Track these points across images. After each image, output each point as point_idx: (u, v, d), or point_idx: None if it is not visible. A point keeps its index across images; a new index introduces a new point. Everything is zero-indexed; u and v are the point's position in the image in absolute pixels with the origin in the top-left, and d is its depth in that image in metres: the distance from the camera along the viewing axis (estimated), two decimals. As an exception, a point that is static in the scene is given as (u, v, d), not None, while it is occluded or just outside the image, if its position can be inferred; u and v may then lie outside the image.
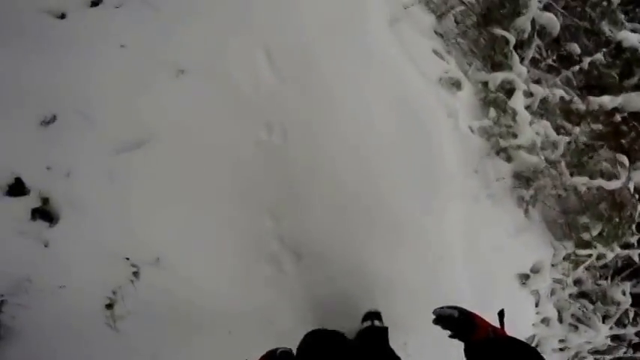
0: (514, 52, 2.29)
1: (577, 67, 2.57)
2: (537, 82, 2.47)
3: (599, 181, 2.02)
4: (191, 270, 1.91)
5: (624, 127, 2.41)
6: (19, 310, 1.69)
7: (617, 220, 2.15)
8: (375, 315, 1.92)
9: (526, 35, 2.30)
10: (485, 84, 2.34)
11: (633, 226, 2.18)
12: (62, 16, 2.13)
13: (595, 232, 2.26)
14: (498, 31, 2.26)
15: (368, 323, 1.83)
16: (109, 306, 1.80)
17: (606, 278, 2.59)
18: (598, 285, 2.61)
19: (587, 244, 2.41)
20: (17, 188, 1.76)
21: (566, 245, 2.40)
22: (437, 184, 2.04)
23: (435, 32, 2.53)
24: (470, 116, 2.25)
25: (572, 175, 2.11)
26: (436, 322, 1.04)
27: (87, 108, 1.89)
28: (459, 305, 1.05)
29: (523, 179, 2.35)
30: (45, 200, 1.73)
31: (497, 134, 2.17)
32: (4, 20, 1.97)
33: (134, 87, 1.96)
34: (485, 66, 2.42)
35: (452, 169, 2.03)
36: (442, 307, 1.04)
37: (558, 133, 2.35)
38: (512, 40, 2.27)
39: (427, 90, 2.11)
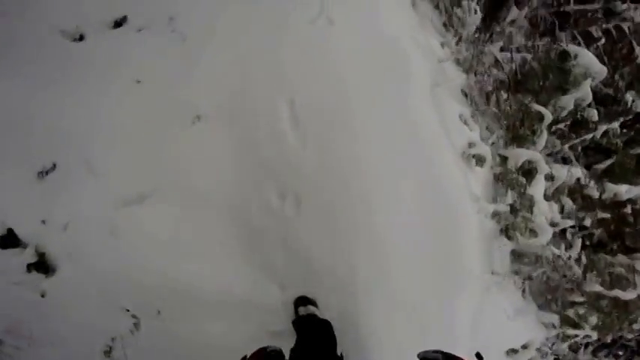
0: (545, 131, 2.21)
1: (590, 135, 2.51)
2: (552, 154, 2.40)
3: (616, 292, 2.00)
4: (194, 323, 1.81)
5: (631, 219, 2.38)
6: (15, 351, 1.66)
7: (616, 316, 2.16)
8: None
9: (565, 113, 2.21)
10: (505, 159, 2.28)
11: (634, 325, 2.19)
12: (80, 38, 1.95)
13: (591, 322, 2.27)
14: (535, 107, 2.16)
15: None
16: (107, 353, 1.78)
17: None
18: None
19: (575, 324, 2.45)
20: (10, 240, 1.63)
21: (556, 323, 2.43)
22: (454, 274, 1.97)
23: (463, 92, 2.43)
24: (486, 195, 2.19)
25: (584, 274, 2.09)
26: None
27: (90, 156, 1.72)
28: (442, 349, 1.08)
29: (524, 260, 2.33)
30: (41, 255, 1.61)
31: (512, 224, 2.12)
32: (20, 44, 1.77)
33: (144, 133, 1.78)
34: (507, 136, 2.34)
35: (471, 265, 1.98)
36: (426, 351, 1.08)
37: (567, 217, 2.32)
38: (549, 118, 2.13)
39: (454, 166, 2.00)
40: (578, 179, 2.22)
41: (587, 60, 2.19)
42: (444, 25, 2.64)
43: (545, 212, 2.10)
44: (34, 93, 1.71)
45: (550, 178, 2.16)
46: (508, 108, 2.28)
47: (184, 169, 1.82)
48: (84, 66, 1.84)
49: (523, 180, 2.11)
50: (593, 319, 2.19)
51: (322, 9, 2.14)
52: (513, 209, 2.11)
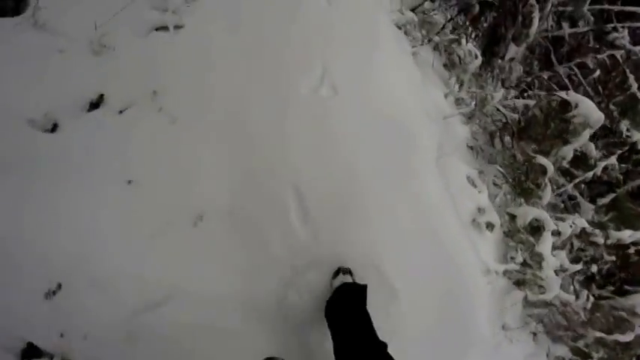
0: (549, 185, 2.20)
1: (591, 173, 2.57)
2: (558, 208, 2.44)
3: (616, 336, 2.09)
4: None
5: (636, 258, 2.47)
6: None
7: (621, 350, 2.27)
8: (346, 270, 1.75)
9: (565, 163, 2.21)
10: (513, 217, 2.27)
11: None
12: (53, 128, 1.70)
13: (596, 356, 2.38)
14: (539, 159, 2.13)
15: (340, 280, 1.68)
16: None
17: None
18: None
19: (585, 355, 2.55)
20: (32, 352, 1.53)
21: (567, 357, 2.52)
22: (463, 338, 1.92)
23: (469, 146, 2.37)
24: (497, 254, 2.19)
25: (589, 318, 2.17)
26: None
27: (91, 270, 1.52)
28: None
29: (535, 304, 2.39)
30: (65, 362, 1.51)
31: (522, 280, 2.14)
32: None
33: (145, 239, 1.59)
34: (513, 191, 2.33)
35: (482, 328, 1.98)
36: None
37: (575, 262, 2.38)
38: (551, 169, 2.10)
39: (463, 237, 1.97)
40: (584, 228, 2.26)
41: (586, 108, 2.16)
42: (445, 65, 2.54)
43: (553, 266, 2.13)
44: (10, 210, 1.49)
45: (557, 233, 2.18)
46: (512, 160, 2.26)
47: (193, 274, 1.68)
48: (63, 165, 1.62)
49: (532, 239, 2.12)
50: (601, 353, 2.30)
51: (324, 73, 1.98)
52: (523, 266, 2.13)
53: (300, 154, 1.83)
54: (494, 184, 2.28)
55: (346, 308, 1.51)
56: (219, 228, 1.75)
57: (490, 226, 2.08)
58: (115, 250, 1.60)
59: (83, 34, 1.86)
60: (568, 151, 2.07)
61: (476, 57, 2.32)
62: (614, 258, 2.32)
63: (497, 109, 2.22)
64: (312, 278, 1.77)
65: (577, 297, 2.19)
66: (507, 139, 2.28)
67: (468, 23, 2.67)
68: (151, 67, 1.91)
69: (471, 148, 2.31)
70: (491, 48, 2.69)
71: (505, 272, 2.13)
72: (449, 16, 2.62)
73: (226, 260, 1.72)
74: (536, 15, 2.31)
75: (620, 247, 2.34)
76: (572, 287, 2.26)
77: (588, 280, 2.34)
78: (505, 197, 2.23)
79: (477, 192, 2.14)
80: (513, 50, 2.49)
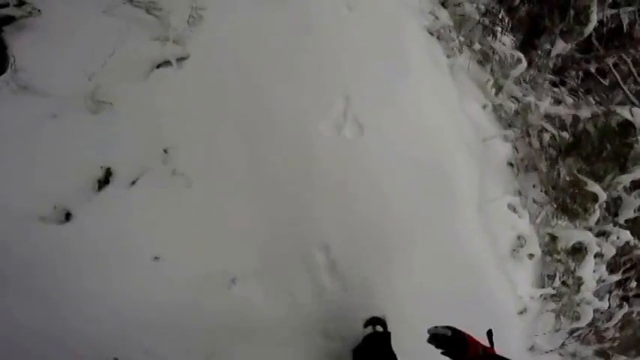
0: (598, 210, 2.01)
1: None
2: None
3: None
4: None
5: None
6: None
7: None
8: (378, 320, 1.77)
9: (618, 192, 1.99)
10: (554, 237, 2.14)
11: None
12: (67, 218, 1.58)
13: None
14: (590, 186, 1.92)
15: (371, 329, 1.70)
16: None
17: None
18: None
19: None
20: None
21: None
22: None
23: (509, 163, 2.15)
24: (534, 279, 2.10)
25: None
26: (430, 340, 1.08)
27: (147, 345, 1.50)
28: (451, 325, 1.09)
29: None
30: None
31: (558, 308, 2.07)
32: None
33: (183, 311, 1.52)
34: (557, 211, 2.16)
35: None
36: (436, 327, 1.08)
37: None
38: (603, 197, 1.93)
39: (499, 273, 1.84)
40: (628, 242, 2.13)
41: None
42: (480, 62, 2.23)
43: (591, 288, 2.06)
44: (51, 308, 1.44)
45: (600, 255, 2.06)
46: (558, 180, 2.06)
47: (234, 335, 1.68)
48: (86, 253, 1.53)
49: (572, 264, 2.02)
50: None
51: (347, 107, 1.75)
52: (560, 289, 2.06)
53: (327, 204, 1.69)
54: (535, 202, 2.12)
55: (371, 354, 1.50)
56: (253, 288, 1.70)
57: (530, 256, 1.97)
58: (159, 324, 1.57)
59: (75, 89, 1.64)
60: (626, 180, 1.86)
61: (519, 61, 2.00)
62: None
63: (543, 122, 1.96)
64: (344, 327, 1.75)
65: (610, 312, 2.15)
66: (552, 152, 2.05)
67: (503, 14, 2.27)
68: (157, 118, 1.71)
69: (511, 164, 2.11)
70: (530, 40, 2.32)
71: (540, 297, 2.07)
72: (482, 7, 2.23)
73: (264, 321, 1.70)
74: (594, 10, 1.92)
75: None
76: (607, 301, 2.20)
77: (624, 297, 2.28)
78: (547, 216, 2.08)
79: (518, 217, 2.01)
80: (561, 47, 2.13)
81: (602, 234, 2.16)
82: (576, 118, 1.94)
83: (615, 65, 2.27)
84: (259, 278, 1.69)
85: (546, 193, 2.08)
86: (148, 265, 1.58)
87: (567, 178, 2.00)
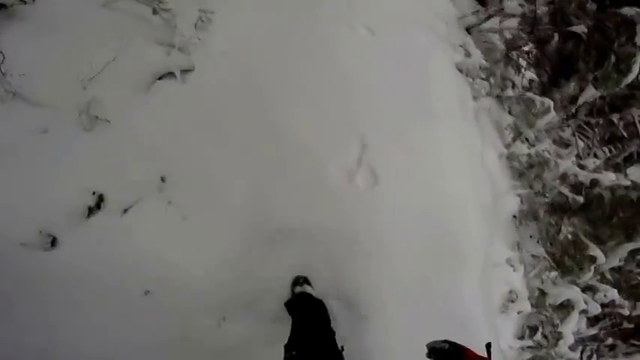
0: (593, 270, 2.01)
1: None
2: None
3: None
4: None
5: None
6: None
7: None
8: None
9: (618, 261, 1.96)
10: (544, 293, 2.14)
11: None
12: (53, 243, 1.46)
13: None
14: (592, 250, 1.89)
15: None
16: None
17: None
18: None
19: None
20: None
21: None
22: None
23: (513, 216, 2.10)
24: (515, 330, 2.13)
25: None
26: (429, 354, 1.08)
27: None
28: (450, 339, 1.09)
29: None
30: None
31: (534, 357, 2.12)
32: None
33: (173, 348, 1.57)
34: (551, 266, 2.14)
35: None
36: (435, 341, 1.08)
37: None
38: (602, 261, 1.92)
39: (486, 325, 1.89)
40: (613, 300, 2.17)
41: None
42: (499, 97, 2.11)
43: (569, 343, 2.12)
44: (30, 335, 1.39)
45: (584, 312, 2.10)
46: (557, 236, 2.05)
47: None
48: (73, 284, 1.46)
49: (558, 321, 2.05)
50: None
51: (363, 152, 1.65)
52: (539, 344, 2.11)
53: (327, 259, 1.63)
54: (532, 256, 2.12)
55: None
56: (242, 325, 1.68)
57: (519, 312, 1.99)
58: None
59: (69, 99, 1.49)
60: (628, 249, 1.84)
61: (547, 110, 1.89)
62: (632, 326, 2.29)
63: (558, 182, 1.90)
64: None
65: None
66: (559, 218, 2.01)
67: (531, 46, 2.11)
68: (156, 140, 1.58)
69: (514, 216, 2.07)
70: (555, 79, 2.18)
71: (520, 347, 2.13)
72: (509, 35, 2.07)
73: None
74: (637, 60, 1.79)
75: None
76: (580, 354, 2.28)
77: (597, 350, 2.36)
78: (540, 273, 2.09)
79: (513, 271, 2.00)
80: (590, 93, 2.02)
81: (590, 288, 2.20)
82: (594, 182, 1.88)
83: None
84: (250, 316, 1.66)
85: (544, 246, 2.06)
86: (137, 300, 1.52)
87: (569, 237, 1.98)
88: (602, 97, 2.05)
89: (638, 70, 1.81)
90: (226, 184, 1.60)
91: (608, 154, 2.24)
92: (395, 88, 1.71)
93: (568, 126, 2.17)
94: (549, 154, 1.94)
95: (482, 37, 2.22)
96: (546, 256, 2.05)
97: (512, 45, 2.23)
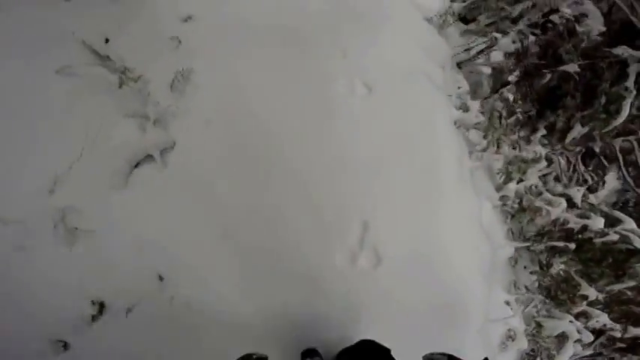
0: (584, 306, 2.08)
1: None
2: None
3: None
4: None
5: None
6: None
7: None
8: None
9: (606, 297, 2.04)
10: (539, 324, 2.22)
11: None
12: (66, 347, 1.35)
13: None
14: (584, 289, 1.95)
15: None
16: None
17: None
18: None
19: None
20: None
21: None
22: None
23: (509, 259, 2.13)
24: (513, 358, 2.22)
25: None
26: None
27: None
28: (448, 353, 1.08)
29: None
30: None
31: None
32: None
33: None
34: (546, 300, 2.21)
35: None
36: (432, 353, 1.09)
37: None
38: (593, 297, 1.99)
39: None
40: (605, 324, 2.27)
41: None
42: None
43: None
44: None
45: (579, 340, 2.20)
46: (547, 271, 2.10)
47: None
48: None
49: (554, 352, 2.15)
50: None
51: (365, 232, 1.60)
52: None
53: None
54: (527, 289, 2.18)
55: None
56: None
57: (518, 350, 2.07)
58: None
59: (37, 209, 1.37)
60: (618, 287, 1.92)
61: (538, 159, 1.88)
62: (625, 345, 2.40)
63: (551, 228, 1.93)
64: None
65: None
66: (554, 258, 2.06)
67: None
68: (145, 236, 1.49)
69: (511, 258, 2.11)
70: (542, 111, 2.16)
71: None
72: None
73: None
74: (628, 102, 1.79)
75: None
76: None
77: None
78: (538, 306, 2.16)
79: (510, 310, 2.06)
80: (577, 131, 2.02)
81: (583, 314, 2.29)
82: (584, 227, 1.92)
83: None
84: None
85: (538, 279, 2.12)
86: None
87: (562, 274, 2.04)
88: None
89: (627, 113, 1.80)
90: (223, 276, 1.53)
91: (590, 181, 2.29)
92: (395, 157, 1.65)
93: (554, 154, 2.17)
94: (539, 199, 1.95)
95: (472, 71, 2.16)
96: (541, 291, 2.10)
97: (499, 78, 2.20)
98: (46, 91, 1.49)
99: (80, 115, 1.49)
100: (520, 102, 2.23)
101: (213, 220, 1.55)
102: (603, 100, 1.87)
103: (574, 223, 1.88)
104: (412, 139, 1.68)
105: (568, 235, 1.99)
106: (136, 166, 1.52)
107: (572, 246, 1.88)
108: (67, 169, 1.41)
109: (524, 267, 2.25)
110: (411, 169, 1.63)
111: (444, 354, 1.04)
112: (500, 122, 2.17)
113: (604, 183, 2.36)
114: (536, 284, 2.18)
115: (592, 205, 2.05)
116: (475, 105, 1.82)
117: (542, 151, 1.90)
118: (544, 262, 2.11)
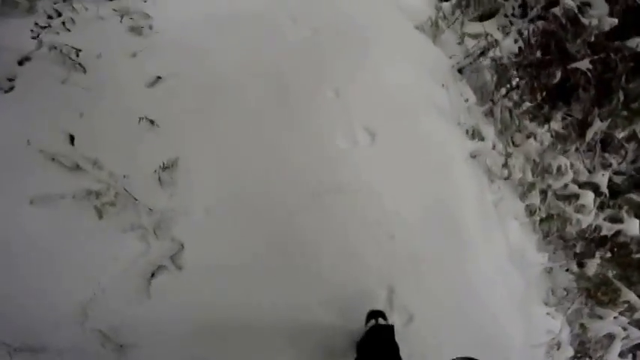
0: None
1: None
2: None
3: None
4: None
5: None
6: None
7: None
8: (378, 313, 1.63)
9: None
10: (584, 326, 2.16)
11: None
12: None
13: None
14: (625, 295, 1.89)
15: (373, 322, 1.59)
16: None
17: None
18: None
19: None
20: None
21: None
22: None
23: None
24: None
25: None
26: None
27: None
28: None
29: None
30: None
31: None
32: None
33: None
34: (587, 300, 2.14)
35: None
36: (456, 358, 1.09)
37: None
38: (638, 305, 1.96)
39: None
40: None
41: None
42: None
43: (616, 362, 2.20)
44: None
45: (627, 337, 2.16)
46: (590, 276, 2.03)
47: None
48: None
49: (602, 352, 2.11)
50: None
51: (392, 296, 1.54)
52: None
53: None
54: (566, 292, 2.12)
55: (376, 346, 1.44)
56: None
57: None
58: None
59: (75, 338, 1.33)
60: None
61: (563, 171, 1.77)
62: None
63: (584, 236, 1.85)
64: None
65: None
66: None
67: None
68: (183, 342, 1.45)
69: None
70: (554, 103, 2.02)
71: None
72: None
73: None
74: None
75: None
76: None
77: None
78: (578, 308, 2.11)
79: (551, 318, 2.02)
80: (597, 126, 1.89)
81: (628, 308, 2.24)
82: (619, 231, 1.83)
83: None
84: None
85: (576, 281, 2.06)
86: None
87: (600, 277, 1.97)
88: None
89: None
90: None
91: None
92: (413, 213, 1.56)
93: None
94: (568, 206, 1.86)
95: (474, 75, 2.02)
96: (579, 291, 2.05)
97: (504, 75, 2.05)
98: (30, 225, 1.40)
99: (77, 244, 1.41)
100: (529, 96, 2.09)
101: (242, 308, 1.50)
102: (621, 96, 1.73)
103: (607, 229, 1.79)
104: (428, 187, 1.58)
105: (602, 240, 1.91)
106: (152, 276, 1.46)
107: (607, 254, 1.81)
108: (89, 298, 1.35)
109: (560, 266, 2.18)
110: (430, 223, 1.54)
111: (467, 358, 1.02)
112: (511, 116, 2.05)
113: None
114: (575, 285, 2.12)
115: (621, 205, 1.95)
116: (490, 131, 1.69)
117: (565, 160, 1.77)
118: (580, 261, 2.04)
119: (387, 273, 1.54)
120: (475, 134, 1.75)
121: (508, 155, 1.80)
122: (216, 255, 1.55)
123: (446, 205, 1.58)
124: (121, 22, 1.84)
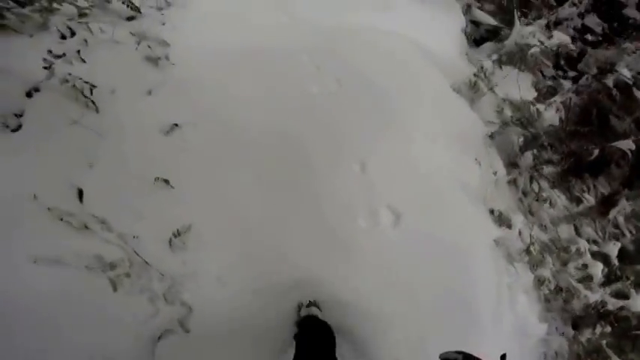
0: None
1: None
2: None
3: None
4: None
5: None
6: None
7: None
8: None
9: None
10: None
11: None
12: None
13: None
14: None
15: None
16: None
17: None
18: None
19: None
20: None
21: None
22: None
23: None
24: None
25: None
26: None
27: None
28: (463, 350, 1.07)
29: None
30: None
31: None
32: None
33: None
34: None
35: None
36: (447, 352, 1.07)
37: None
38: None
39: None
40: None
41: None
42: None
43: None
44: None
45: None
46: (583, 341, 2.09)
47: None
48: None
49: None
50: None
51: None
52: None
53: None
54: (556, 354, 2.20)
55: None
56: None
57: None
58: None
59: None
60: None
61: (581, 254, 1.75)
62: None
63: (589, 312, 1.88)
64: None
65: None
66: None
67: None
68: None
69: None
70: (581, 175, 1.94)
71: None
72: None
73: None
74: None
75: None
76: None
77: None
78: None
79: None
80: (622, 206, 1.84)
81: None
82: (621, 308, 1.85)
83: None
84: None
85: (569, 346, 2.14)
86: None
87: (592, 343, 2.04)
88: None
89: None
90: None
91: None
92: (423, 292, 1.55)
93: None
94: (575, 281, 1.87)
95: (503, 138, 1.93)
96: (570, 356, 2.13)
97: (533, 141, 1.96)
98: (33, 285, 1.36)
99: (82, 308, 1.39)
100: (557, 163, 2.02)
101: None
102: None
103: (612, 305, 1.81)
104: (445, 272, 1.56)
105: (604, 314, 1.94)
106: (159, 338, 1.47)
107: (608, 329, 1.85)
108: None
109: (556, 328, 2.25)
110: (445, 312, 1.54)
111: (458, 352, 1.00)
112: (532, 181, 2.00)
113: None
114: (566, 348, 2.20)
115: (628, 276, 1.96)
116: (518, 218, 1.63)
117: (585, 245, 1.75)
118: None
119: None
120: (502, 219, 1.70)
121: (532, 243, 1.76)
122: (225, 320, 1.55)
123: (460, 290, 1.57)
124: (137, 49, 1.68)
